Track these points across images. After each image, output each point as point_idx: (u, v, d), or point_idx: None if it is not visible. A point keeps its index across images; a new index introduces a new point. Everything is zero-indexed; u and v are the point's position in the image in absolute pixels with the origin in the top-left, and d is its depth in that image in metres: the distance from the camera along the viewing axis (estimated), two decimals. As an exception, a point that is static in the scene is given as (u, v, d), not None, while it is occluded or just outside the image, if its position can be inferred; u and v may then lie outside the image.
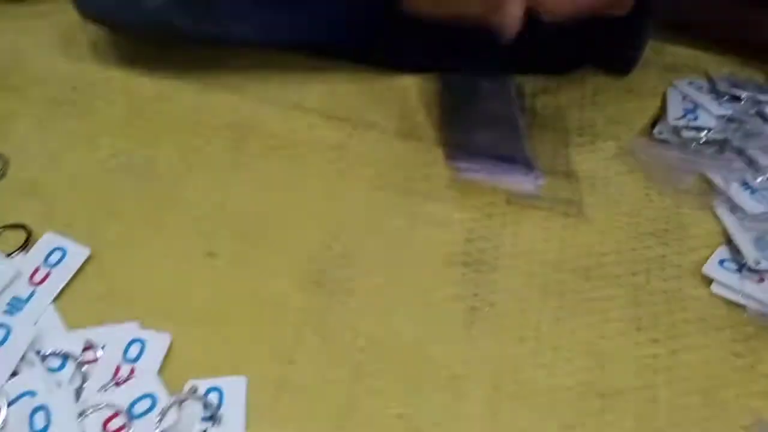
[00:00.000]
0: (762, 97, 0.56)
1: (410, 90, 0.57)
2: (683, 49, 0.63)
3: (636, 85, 0.60)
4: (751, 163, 0.52)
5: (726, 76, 0.59)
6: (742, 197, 0.50)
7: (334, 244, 0.47)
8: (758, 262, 0.46)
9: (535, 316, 0.44)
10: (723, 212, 0.50)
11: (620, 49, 0.57)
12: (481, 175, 0.49)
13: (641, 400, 0.41)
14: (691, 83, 0.59)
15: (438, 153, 0.52)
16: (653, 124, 0.56)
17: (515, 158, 0.50)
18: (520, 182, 0.49)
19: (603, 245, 0.48)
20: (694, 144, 0.53)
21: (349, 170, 0.51)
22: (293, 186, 0.50)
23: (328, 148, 0.52)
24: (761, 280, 0.46)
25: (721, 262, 0.47)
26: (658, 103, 0.58)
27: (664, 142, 0.54)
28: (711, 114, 0.55)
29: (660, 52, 0.62)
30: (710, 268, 0.47)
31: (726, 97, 0.56)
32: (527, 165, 0.50)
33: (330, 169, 0.51)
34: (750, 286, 0.45)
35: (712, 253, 0.48)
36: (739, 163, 0.52)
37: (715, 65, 0.62)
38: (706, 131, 0.53)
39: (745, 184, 0.51)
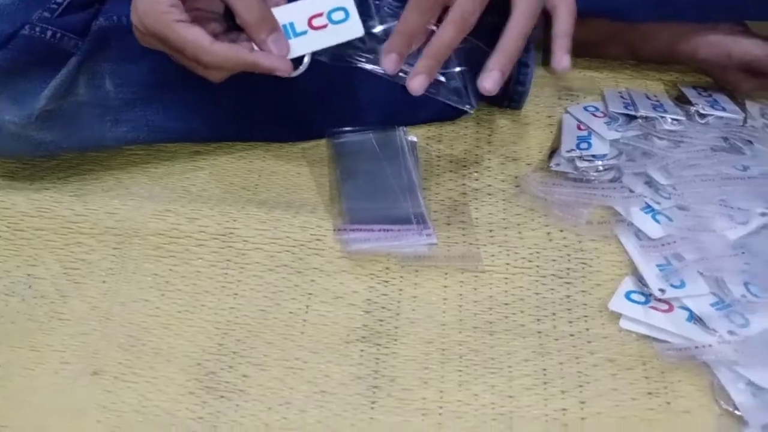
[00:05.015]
0: (655, 114, 0.54)
1: (297, 161, 0.55)
2: (578, 72, 0.63)
3: (532, 116, 0.59)
4: (651, 185, 0.51)
5: (619, 94, 0.58)
6: (644, 222, 0.49)
7: (225, 342, 0.45)
8: (663, 291, 0.44)
9: (438, 384, 0.42)
10: (627, 240, 0.48)
11: (506, 86, 0.56)
12: (372, 243, 0.47)
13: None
14: (586, 108, 0.58)
15: (329, 225, 0.50)
16: (551, 156, 0.55)
17: (408, 218, 0.49)
18: (414, 242, 0.48)
19: (506, 295, 0.46)
20: (591, 173, 0.52)
21: (237, 257, 0.49)
22: (180, 284, 0.48)
23: (213, 237, 0.50)
24: (669, 309, 0.44)
25: (628, 294, 0.45)
26: (555, 132, 0.57)
27: (562, 174, 0.53)
28: (604, 140, 0.54)
29: (554, 78, 0.62)
30: (617, 303, 0.45)
31: (619, 121, 0.55)
32: (421, 223, 0.48)
33: (218, 259, 0.49)
34: (657, 318, 0.44)
35: (619, 286, 0.46)
36: (639, 186, 0.51)
37: (611, 83, 0.61)
38: (601, 159, 0.52)
39: (648, 208, 0.49)
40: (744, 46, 0.55)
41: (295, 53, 0.45)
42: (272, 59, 0.43)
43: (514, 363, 0.43)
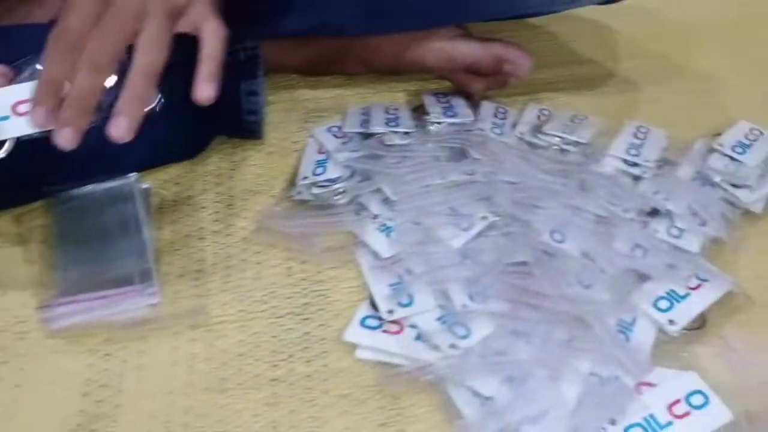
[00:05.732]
0: (386, 129, 0.53)
1: (9, 228, 0.49)
2: (326, 90, 0.61)
3: (277, 144, 0.57)
4: (387, 203, 0.49)
5: (360, 110, 0.56)
6: (377, 240, 0.47)
7: None
8: (391, 312, 0.43)
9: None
10: (364, 263, 0.47)
11: (238, 116, 0.54)
12: (82, 315, 0.43)
13: None
14: (329, 129, 0.56)
15: (36, 303, 0.45)
16: (294, 185, 0.53)
17: (131, 278, 0.45)
18: (135, 305, 0.44)
19: (241, 345, 0.44)
20: (331, 198, 0.50)
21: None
22: None
23: None
24: (400, 330, 0.43)
25: (364, 320, 0.44)
26: (299, 159, 0.55)
27: (304, 203, 0.51)
28: (337, 162, 0.52)
29: (298, 100, 0.60)
30: (352, 333, 0.44)
31: (354, 140, 0.54)
32: (146, 281, 0.45)
33: None
34: (388, 341, 0.42)
35: (356, 313, 0.45)
36: (375, 205, 0.49)
37: (358, 99, 0.59)
38: (335, 182, 0.50)
39: (384, 226, 0.48)
40: (464, 50, 0.55)
41: None
42: None
43: (242, 422, 0.40)
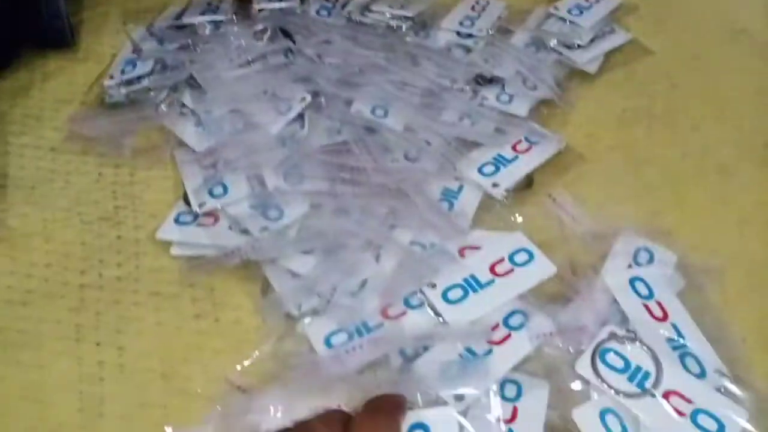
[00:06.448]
0: (202, 19, 0.49)
1: None
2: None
3: (93, 49, 0.52)
4: (200, 93, 0.45)
5: (178, 8, 0.52)
6: (191, 134, 0.45)
7: None
8: (203, 204, 0.41)
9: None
10: (182, 161, 0.44)
11: (40, 20, 0.49)
12: None
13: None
14: (146, 28, 0.51)
15: None
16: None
17: None
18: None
19: (48, 256, 0.41)
20: (145, 95, 0.46)
21: None
22: None
23: None
24: (215, 221, 0.41)
25: (178, 217, 0.42)
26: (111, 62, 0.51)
27: (118, 105, 0.47)
28: (147, 58, 0.48)
29: (116, 2, 0.55)
30: (165, 231, 0.41)
31: (167, 33, 0.50)
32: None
33: None
34: (202, 235, 0.40)
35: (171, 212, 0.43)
36: (188, 97, 0.45)
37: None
38: (145, 79, 0.47)
39: (197, 118, 0.45)
40: None
41: None
42: None
43: (45, 330, 0.38)
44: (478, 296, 0.38)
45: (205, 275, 0.39)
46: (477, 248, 0.41)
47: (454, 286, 0.39)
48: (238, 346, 0.37)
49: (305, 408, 0.33)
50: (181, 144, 0.45)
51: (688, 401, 0.35)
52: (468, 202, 0.43)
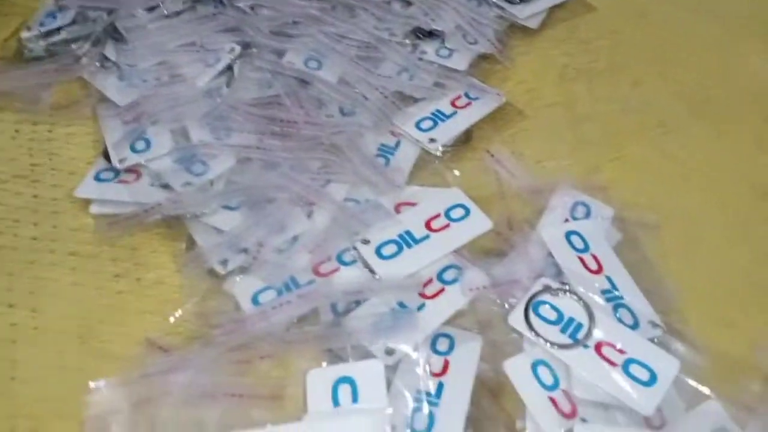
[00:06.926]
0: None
1: None
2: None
3: (15, 1, 0.48)
4: (123, 44, 0.43)
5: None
6: (113, 89, 0.42)
7: None
8: (123, 160, 0.39)
9: None
10: (103, 116, 0.41)
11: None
12: None
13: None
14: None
15: None
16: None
17: None
18: None
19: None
20: (66, 49, 0.44)
21: None
22: None
23: None
24: (137, 177, 0.39)
25: (98, 175, 0.39)
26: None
27: (38, 59, 0.44)
28: (68, 8, 0.45)
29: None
30: (84, 189, 0.39)
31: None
32: None
33: None
34: (122, 191, 0.38)
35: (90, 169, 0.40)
36: (111, 49, 0.43)
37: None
38: (65, 30, 0.44)
39: (119, 70, 0.43)
40: None
41: None
42: None
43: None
44: (413, 252, 0.38)
45: (125, 234, 0.37)
46: (413, 204, 0.40)
47: (389, 242, 0.38)
48: (160, 307, 0.36)
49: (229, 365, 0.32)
50: (104, 99, 0.42)
51: (621, 351, 0.34)
52: (405, 157, 0.42)
